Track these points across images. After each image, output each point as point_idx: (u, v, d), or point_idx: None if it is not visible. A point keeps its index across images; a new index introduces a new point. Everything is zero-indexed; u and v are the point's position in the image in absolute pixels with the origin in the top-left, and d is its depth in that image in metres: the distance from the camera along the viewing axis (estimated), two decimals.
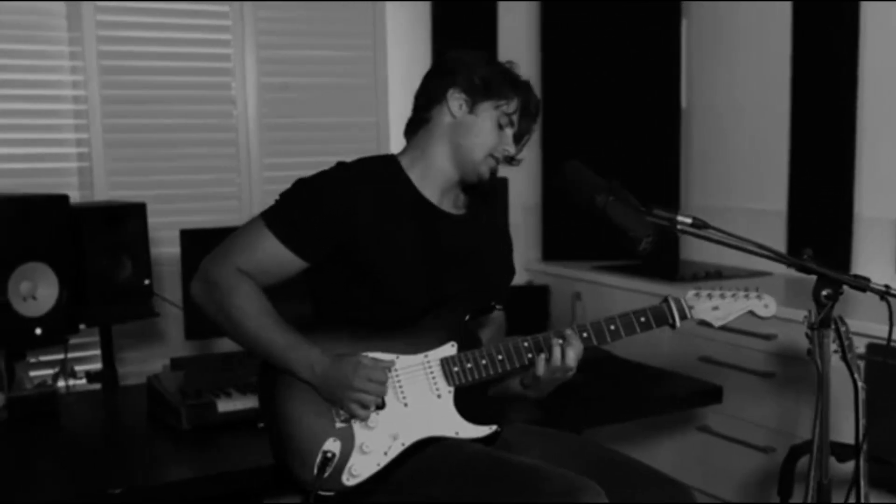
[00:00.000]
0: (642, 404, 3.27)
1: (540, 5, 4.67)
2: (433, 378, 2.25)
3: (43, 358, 3.37)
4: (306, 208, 2.23)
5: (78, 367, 3.47)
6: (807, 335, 2.16)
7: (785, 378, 3.47)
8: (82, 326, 3.29)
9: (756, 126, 4.32)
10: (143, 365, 3.75)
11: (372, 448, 2.18)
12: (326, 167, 2.35)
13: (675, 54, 4.58)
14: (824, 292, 2.10)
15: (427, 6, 4.47)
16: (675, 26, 4.58)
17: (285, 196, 2.28)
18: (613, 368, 3.51)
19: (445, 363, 2.25)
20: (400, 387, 2.23)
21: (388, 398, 2.21)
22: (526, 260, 4.74)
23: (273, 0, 4.19)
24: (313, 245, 2.23)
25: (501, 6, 4.61)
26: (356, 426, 2.19)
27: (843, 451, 2.48)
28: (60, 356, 3.38)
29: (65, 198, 3.20)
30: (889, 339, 2.10)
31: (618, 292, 4.23)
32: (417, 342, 2.26)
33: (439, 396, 2.24)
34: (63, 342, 3.26)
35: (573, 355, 2.20)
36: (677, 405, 3.47)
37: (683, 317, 2.28)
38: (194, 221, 3.64)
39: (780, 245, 4.03)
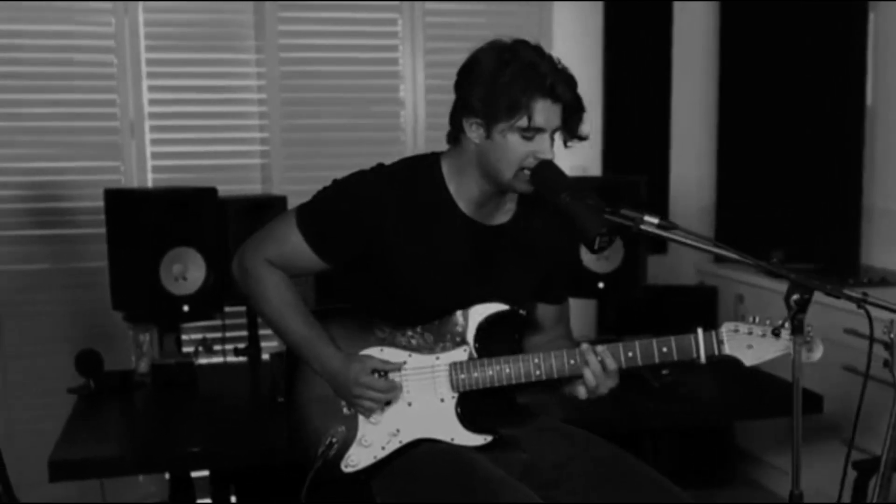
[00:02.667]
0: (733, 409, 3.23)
1: (719, 5, 4.60)
2: (440, 381, 2.29)
3: (194, 336, 3.80)
4: (334, 211, 2.29)
5: (229, 345, 3.86)
6: (885, 344, 2.09)
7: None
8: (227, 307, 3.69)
9: None
10: None
11: (371, 441, 2.30)
12: None
13: (860, 50, 4.36)
14: (794, 297, 2.04)
15: (599, 6, 4.54)
16: (862, 22, 4.36)
17: (319, 195, 2.36)
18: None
19: (454, 368, 2.28)
20: (407, 386, 2.29)
21: (396, 396, 2.29)
22: (697, 261, 4.69)
23: (441, 1, 4.42)
24: (335, 249, 2.32)
25: (677, 6, 4.59)
26: (361, 419, 2.31)
27: None
28: (218, 333, 3.81)
29: (213, 190, 3.60)
30: (870, 349, 2.04)
31: (780, 297, 4.11)
32: (433, 343, 2.30)
33: (442, 400, 2.28)
34: (209, 318, 3.66)
35: (606, 370, 2.21)
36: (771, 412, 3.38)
37: (711, 353, 2.20)
38: None
39: None
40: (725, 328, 2.20)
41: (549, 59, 2.22)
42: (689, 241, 2.13)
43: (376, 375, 2.27)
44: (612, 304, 4.03)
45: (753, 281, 4.32)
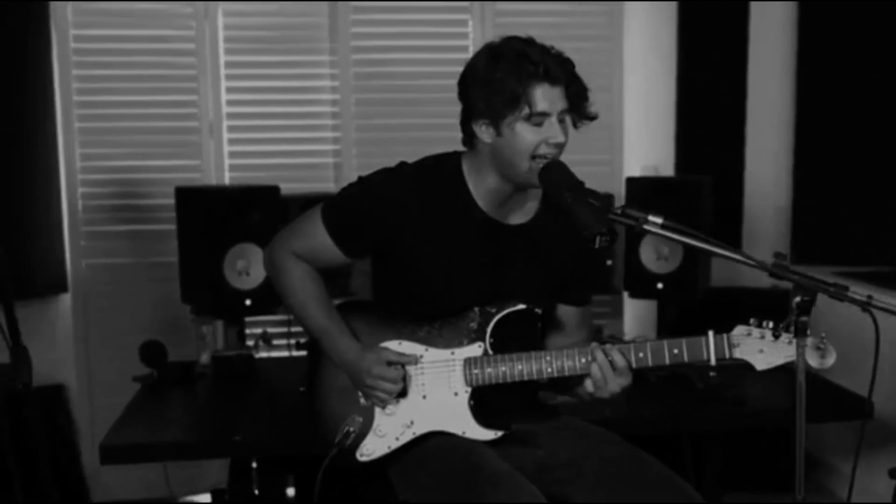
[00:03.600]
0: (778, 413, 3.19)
1: (798, 5, 4.51)
2: (454, 376, 2.34)
3: (258, 329, 3.93)
4: (357, 207, 2.37)
5: (293, 339, 3.98)
6: None
7: None
8: None
9: None
10: None
11: (386, 432, 2.37)
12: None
13: None
14: (797, 299, 2.04)
15: (673, 6, 4.51)
16: None
17: (344, 191, 2.45)
18: None
19: (468, 363, 2.33)
20: (422, 379, 2.36)
21: (411, 388, 2.37)
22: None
23: (512, 1, 4.46)
24: (357, 244, 2.41)
25: (754, 6, 4.52)
26: (377, 410, 2.39)
27: None
28: (284, 328, 3.94)
29: (276, 188, 3.73)
30: (877, 351, 2.02)
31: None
32: (450, 338, 2.36)
33: (456, 394, 2.34)
34: (270, 313, 3.79)
35: (610, 370, 2.24)
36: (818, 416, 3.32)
37: (722, 356, 2.22)
38: None
39: None
40: (737, 331, 2.22)
41: (539, 47, 2.29)
42: (688, 242, 2.14)
43: (391, 367, 2.34)
44: (672, 306, 4.00)
45: None
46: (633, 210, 2.17)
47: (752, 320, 2.23)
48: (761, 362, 2.19)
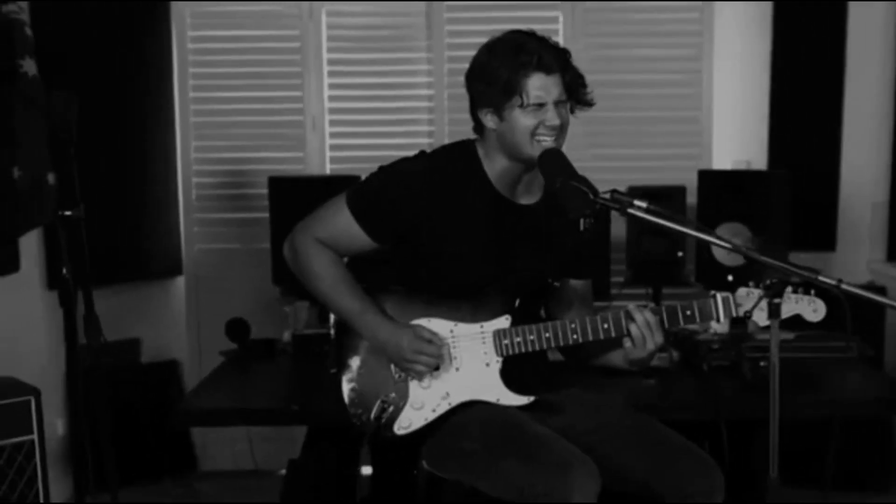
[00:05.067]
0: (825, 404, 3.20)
1: None
2: (485, 347, 2.48)
3: None
4: (380, 194, 2.50)
5: None
6: None
7: None
8: None
9: None
10: None
11: (423, 404, 2.51)
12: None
13: None
14: (767, 282, 2.11)
15: (768, 6, 4.50)
16: None
17: (367, 179, 2.60)
18: None
19: (497, 335, 2.47)
20: (455, 352, 2.50)
21: (444, 362, 2.50)
22: (870, 259, 4.55)
23: (603, 0, 4.55)
24: (382, 227, 2.53)
25: (852, 6, 4.46)
26: (412, 384, 2.52)
27: None
28: None
29: (357, 178, 3.93)
30: (848, 334, 2.07)
31: None
32: (477, 313, 2.49)
33: (488, 365, 2.48)
34: None
35: (648, 328, 2.38)
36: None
37: (729, 313, 2.36)
38: None
39: None
40: (741, 291, 2.35)
41: (537, 38, 2.42)
42: (669, 225, 2.22)
43: (428, 342, 2.48)
44: None
45: None
46: (620, 194, 2.27)
47: (750, 283, 2.33)
48: (763, 318, 2.27)
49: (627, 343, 2.41)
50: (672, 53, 4.60)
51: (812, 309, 2.30)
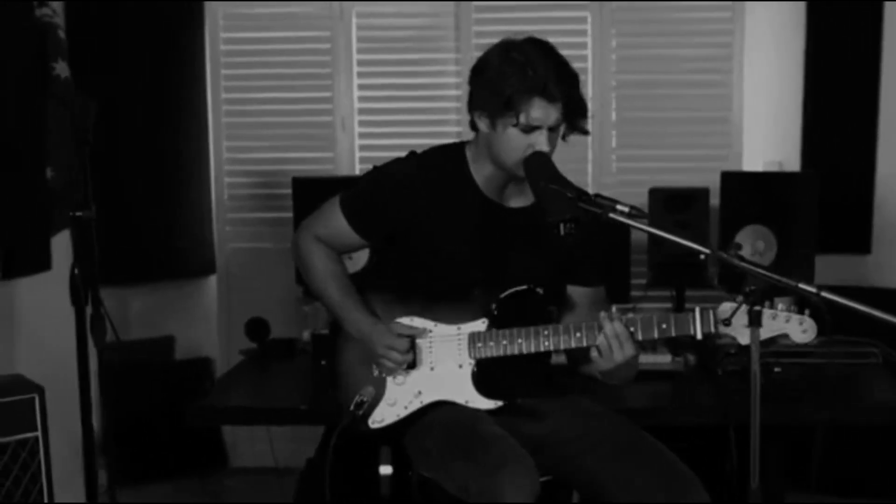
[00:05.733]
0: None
1: None
2: (460, 349, 2.52)
3: None
4: (370, 193, 2.60)
5: None
6: None
7: None
8: None
9: None
10: None
11: (396, 401, 2.57)
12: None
13: None
14: (747, 289, 2.08)
15: (801, 5, 4.43)
16: None
17: (360, 180, 2.69)
18: None
19: (472, 338, 2.51)
20: (431, 352, 2.55)
21: (420, 361, 2.56)
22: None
23: (632, 0, 4.52)
24: (370, 226, 2.61)
25: (888, 6, 4.36)
26: (389, 381, 2.58)
27: None
28: None
29: None
30: (830, 338, 2.04)
31: None
32: (457, 315, 2.53)
33: (461, 366, 2.52)
34: None
35: (616, 339, 2.34)
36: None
37: (708, 330, 2.31)
38: None
39: None
40: (725, 306, 2.28)
41: (550, 59, 2.41)
42: (648, 230, 2.20)
43: (401, 339, 2.53)
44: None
45: None
46: (604, 198, 2.25)
47: (738, 297, 2.25)
48: (745, 337, 2.23)
49: (594, 353, 2.39)
50: (702, 53, 4.54)
51: (801, 329, 2.23)
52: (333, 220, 2.64)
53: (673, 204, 3.91)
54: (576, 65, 4.45)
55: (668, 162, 4.53)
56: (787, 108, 4.50)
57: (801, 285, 2.03)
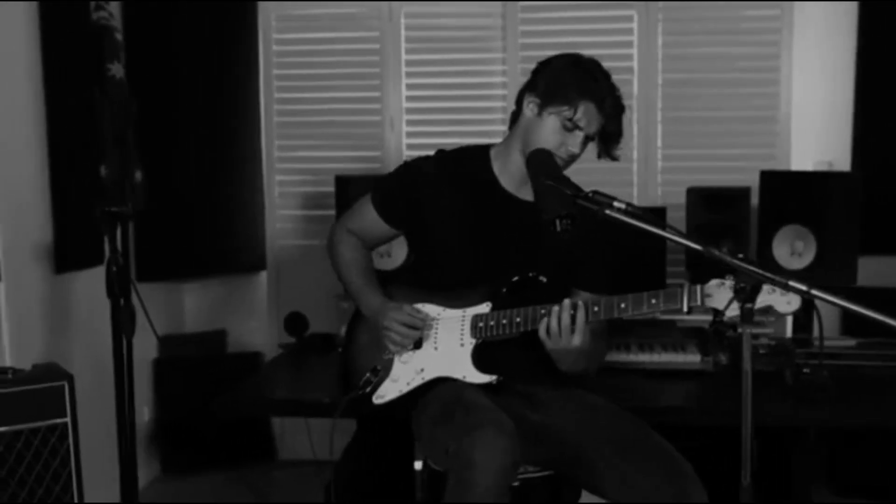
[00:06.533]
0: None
1: None
2: (463, 329, 2.63)
3: None
4: (396, 185, 2.77)
5: None
6: None
7: None
8: None
9: None
10: None
11: (399, 378, 2.67)
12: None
13: None
14: (739, 286, 2.08)
15: (853, 6, 4.37)
16: None
17: (388, 174, 2.86)
18: None
19: (475, 319, 2.62)
20: (436, 334, 2.67)
21: (426, 341, 2.67)
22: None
23: (679, 0, 4.50)
24: (395, 215, 2.76)
25: None
26: (396, 360, 2.70)
27: None
28: None
29: None
30: (822, 340, 2.03)
31: None
32: (464, 300, 2.66)
33: (462, 345, 2.62)
34: None
35: (558, 323, 2.43)
36: None
37: (694, 303, 2.36)
38: None
39: None
40: (713, 282, 2.36)
41: (610, 82, 2.59)
42: (645, 227, 2.20)
43: (407, 317, 2.65)
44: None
45: None
46: (602, 196, 2.26)
47: (728, 276, 2.33)
48: (732, 309, 2.23)
49: (542, 332, 2.47)
50: (749, 52, 4.50)
51: (786, 301, 2.26)
52: (365, 212, 2.81)
53: (713, 203, 3.89)
54: (622, 63, 4.56)
55: (715, 161, 4.50)
56: (838, 107, 4.44)
57: (792, 282, 2.00)
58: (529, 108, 2.61)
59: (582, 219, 2.29)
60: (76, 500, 2.88)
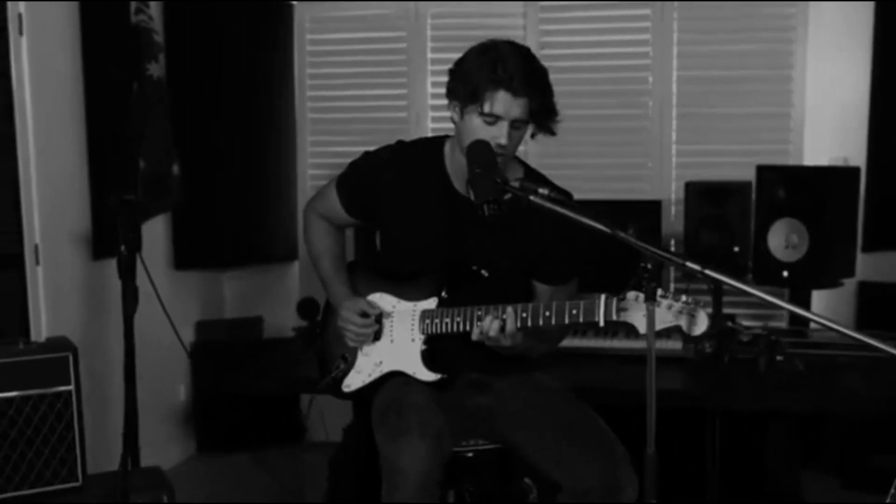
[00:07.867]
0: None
1: None
2: (413, 324, 2.70)
3: None
4: (356, 175, 2.81)
5: None
6: None
7: None
8: None
9: None
10: None
11: (362, 369, 2.79)
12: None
13: None
14: (643, 265, 2.18)
15: (869, 6, 4.40)
16: None
17: (351, 163, 2.87)
18: None
19: (424, 314, 2.69)
20: (392, 326, 2.75)
21: (383, 333, 2.76)
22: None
23: (696, 0, 4.60)
24: (352, 203, 2.81)
25: None
26: (359, 351, 2.80)
27: None
28: None
29: None
30: (717, 316, 2.12)
31: None
32: (417, 293, 2.72)
33: (413, 340, 2.70)
34: None
35: (484, 329, 2.51)
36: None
37: (609, 317, 2.39)
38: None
39: None
40: (630, 295, 2.37)
41: (523, 60, 2.51)
42: (570, 215, 2.29)
43: (362, 314, 2.74)
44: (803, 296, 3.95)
45: None
46: (528, 183, 2.37)
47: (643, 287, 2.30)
48: (644, 326, 2.30)
49: (475, 337, 2.53)
50: (763, 49, 4.55)
51: (693, 322, 2.29)
52: (330, 198, 2.87)
53: (711, 197, 3.98)
54: (638, 62, 4.65)
55: (729, 157, 4.55)
56: (854, 104, 4.47)
57: (688, 263, 2.11)
58: (454, 114, 2.59)
59: (545, 212, 2.33)
60: (78, 461, 3.12)
